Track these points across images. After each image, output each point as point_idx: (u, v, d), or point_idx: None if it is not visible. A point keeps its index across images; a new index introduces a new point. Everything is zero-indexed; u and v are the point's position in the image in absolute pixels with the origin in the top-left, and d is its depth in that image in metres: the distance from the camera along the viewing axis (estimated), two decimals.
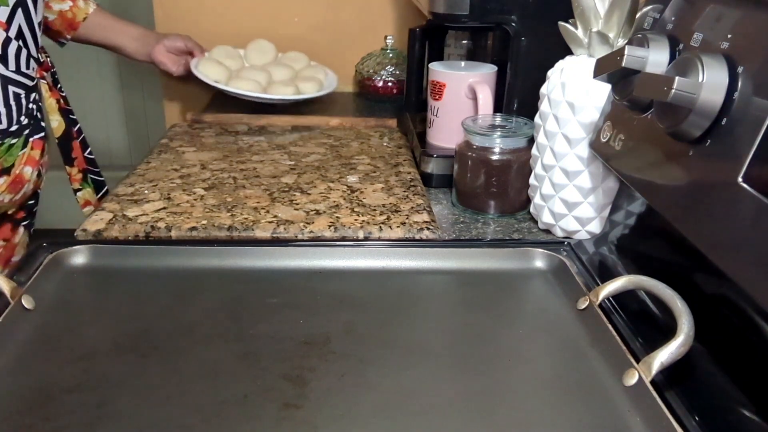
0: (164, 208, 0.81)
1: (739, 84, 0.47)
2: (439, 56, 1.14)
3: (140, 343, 0.56)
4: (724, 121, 0.47)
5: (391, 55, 1.38)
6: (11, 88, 0.96)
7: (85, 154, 1.19)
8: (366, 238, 0.76)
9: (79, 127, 1.18)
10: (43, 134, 1.03)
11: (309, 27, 1.46)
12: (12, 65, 0.96)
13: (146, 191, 0.86)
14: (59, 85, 1.14)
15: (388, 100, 1.37)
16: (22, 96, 0.98)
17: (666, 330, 0.50)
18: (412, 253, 0.70)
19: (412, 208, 0.82)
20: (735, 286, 0.44)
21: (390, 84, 1.37)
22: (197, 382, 0.51)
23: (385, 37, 1.40)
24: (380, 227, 0.77)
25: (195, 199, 0.83)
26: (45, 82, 1.09)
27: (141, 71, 2.20)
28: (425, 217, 0.80)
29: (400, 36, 1.40)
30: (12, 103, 0.96)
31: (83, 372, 0.52)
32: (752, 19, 0.48)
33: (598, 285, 0.59)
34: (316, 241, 0.74)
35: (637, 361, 0.50)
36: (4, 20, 0.92)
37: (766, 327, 0.46)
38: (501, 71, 0.95)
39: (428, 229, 0.77)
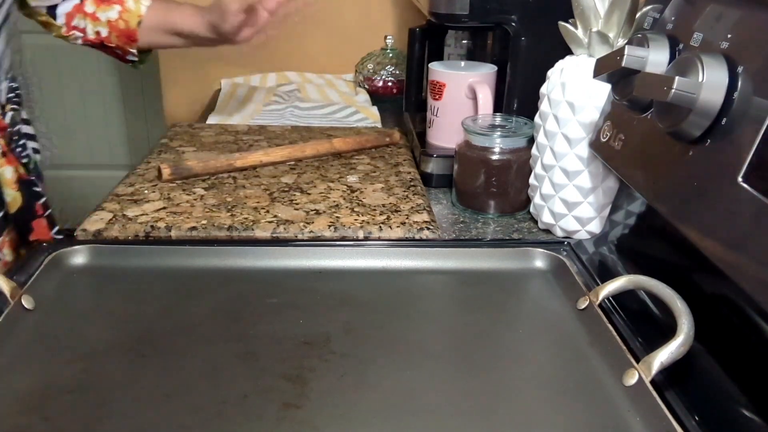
0: (164, 208, 0.80)
1: (739, 84, 0.47)
2: (439, 56, 1.14)
3: (140, 343, 0.56)
4: (724, 121, 0.47)
5: (391, 55, 1.38)
6: None
7: (53, 234, 0.95)
8: (366, 238, 0.76)
9: (45, 201, 0.94)
10: None
11: (309, 27, 1.46)
12: None
13: (146, 191, 0.86)
14: (19, 149, 0.91)
15: (388, 100, 1.37)
16: None
17: (666, 330, 0.50)
18: (412, 253, 0.70)
19: (412, 207, 0.82)
20: (735, 286, 0.44)
21: (390, 84, 1.37)
22: (197, 382, 0.51)
23: (385, 37, 1.40)
24: (380, 227, 0.77)
25: (195, 199, 0.83)
26: None
27: (141, 71, 2.20)
28: (425, 216, 0.80)
29: (400, 36, 1.40)
30: None
31: (83, 372, 0.52)
32: (752, 19, 0.48)
33: (598, 285, 0.59)
34: (316, 241, 0.74)
35: (637, 361, 0.50)
36: None
37: (766, 327, 0.46)
38: (501, 71, 0.95)
39: (428, 228, 0.77)
